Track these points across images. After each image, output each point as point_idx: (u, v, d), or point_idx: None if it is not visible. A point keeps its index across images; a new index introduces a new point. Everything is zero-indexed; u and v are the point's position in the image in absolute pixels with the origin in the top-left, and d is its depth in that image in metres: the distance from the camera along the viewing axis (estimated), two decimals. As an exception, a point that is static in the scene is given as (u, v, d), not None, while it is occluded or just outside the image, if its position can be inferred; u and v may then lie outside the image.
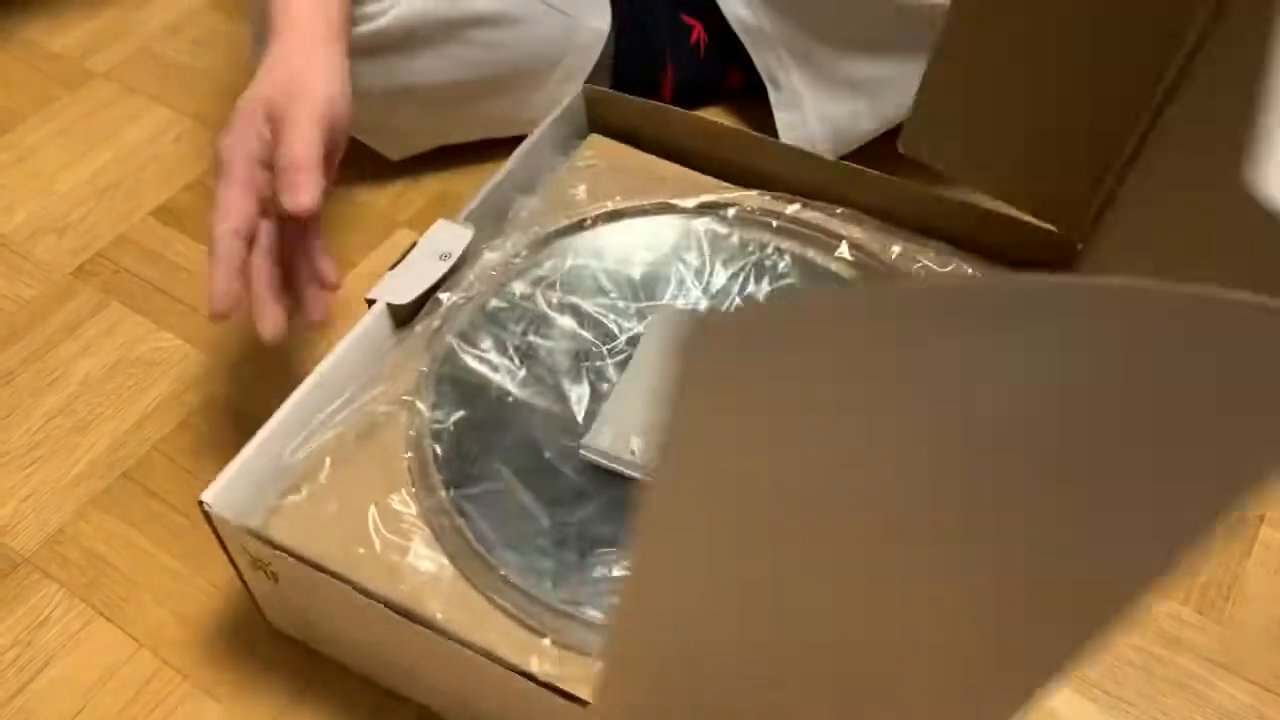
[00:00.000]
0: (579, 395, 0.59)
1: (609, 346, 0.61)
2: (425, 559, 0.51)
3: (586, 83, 0.83)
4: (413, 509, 0.53)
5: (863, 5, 0.79)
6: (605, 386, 0.60)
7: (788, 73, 0.85)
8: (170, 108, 0.96)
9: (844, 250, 0.66)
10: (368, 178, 0.87)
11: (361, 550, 0.51)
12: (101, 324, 0.79)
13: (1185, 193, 0.49)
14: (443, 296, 0.61)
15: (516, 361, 0.59)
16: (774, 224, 0.67)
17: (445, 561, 0.51)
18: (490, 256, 0.63)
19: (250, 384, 0.76)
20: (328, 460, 0.54)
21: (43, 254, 0.84)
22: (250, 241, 0.57)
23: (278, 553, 0.51)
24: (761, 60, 0.86)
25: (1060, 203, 0.62)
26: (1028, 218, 0.65)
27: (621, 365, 0.61)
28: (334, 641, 0.59)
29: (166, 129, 0.94)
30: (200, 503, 0.51)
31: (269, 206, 0.58)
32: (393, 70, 0.75)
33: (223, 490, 0.51)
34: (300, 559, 0.50)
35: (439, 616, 0.49)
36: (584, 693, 0.46)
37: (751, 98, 0.89)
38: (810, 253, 0.67)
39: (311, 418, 0.55)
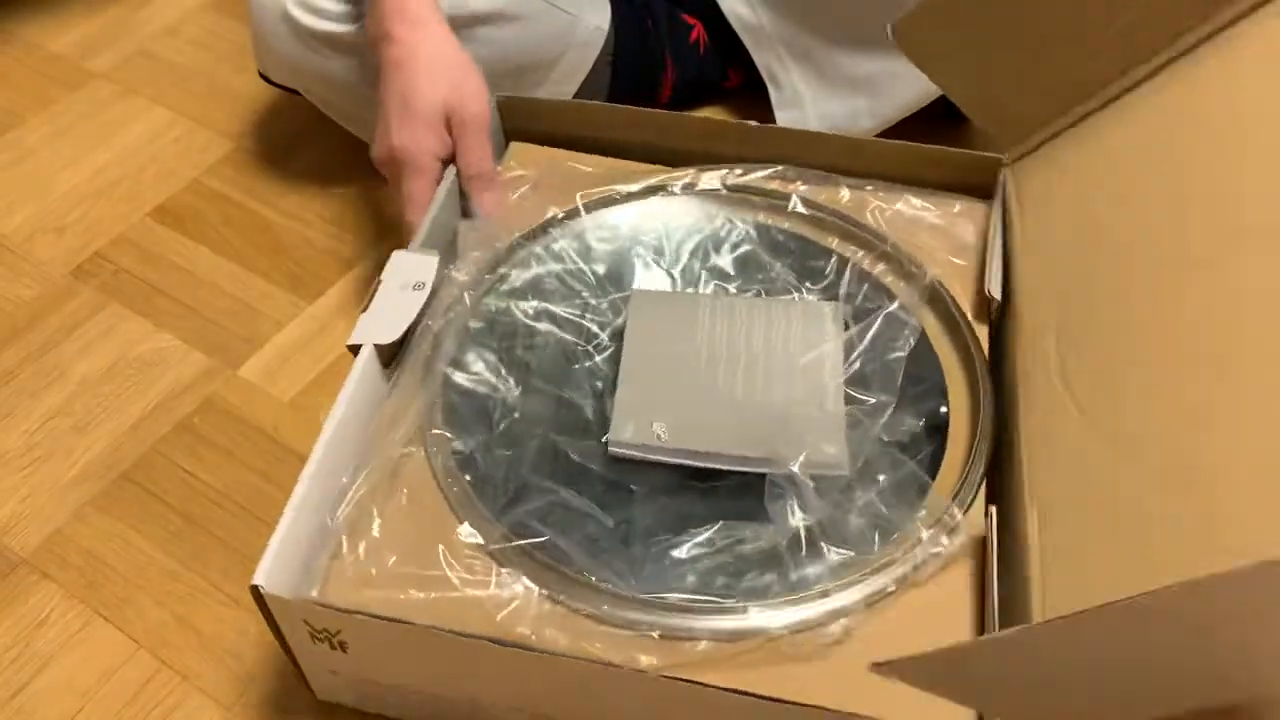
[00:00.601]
0: (582, 396, 0.59)
1: (594, 344, 0.62)
2: (506, 586, 0.50)
3: (585, 82, 0.83)
4: (479, 539, 0.52)
5: (863, 4, 0.79)
6: (600, 384, 0.60)
7: (788, 71, 0.85)
8: (169, 108, 0.96)
9: (797, 205, 0.67)
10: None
11: (434, 595, 0.50)
12: (100, 324, 0.79)
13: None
14: (428, 325, 0.60)
15: (512, 377, 0.59)
16: (721, 193, 0.68)
17: (527, 583, 0.50)
18: (456, 277, 0.61)
19: (249, 384, 0.76)
20: (374, 511, 0.52)
21: (42, 254, 0.84)
22: None
23: (356, 617, 0.48)
24: (762, 59, 0.86)
25: (1009, 122, 0.65)
26: (953, 150, 0.68)
27: (610, 358, 0.61)
28: (401, 700, 0.56)
29: (166, 129, 0.94)
30: (253, 589, 0.48)
31: None
32: None
33: (271, 571, 0.48)
34: (382, 618, 0.48)
35: (544, 640, 0.48)
36: (705, 677, 0.47)
37: (751, 97, 0.89)
38: (762, 216, 0.67)
39: (335, 478, 0.54)
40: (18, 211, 0.87)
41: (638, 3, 0.87)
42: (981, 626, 0.50)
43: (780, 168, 0.68)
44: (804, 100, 0.85)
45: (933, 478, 0.55)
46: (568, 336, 0.62)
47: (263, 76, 0.84)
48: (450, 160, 0.66)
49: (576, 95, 0.83)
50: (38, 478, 0.71)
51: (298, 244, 0.85)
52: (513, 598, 0.50)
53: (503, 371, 0.59)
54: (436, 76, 0.65)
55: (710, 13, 0.87)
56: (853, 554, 0.51)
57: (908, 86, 0.77)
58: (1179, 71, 0.57)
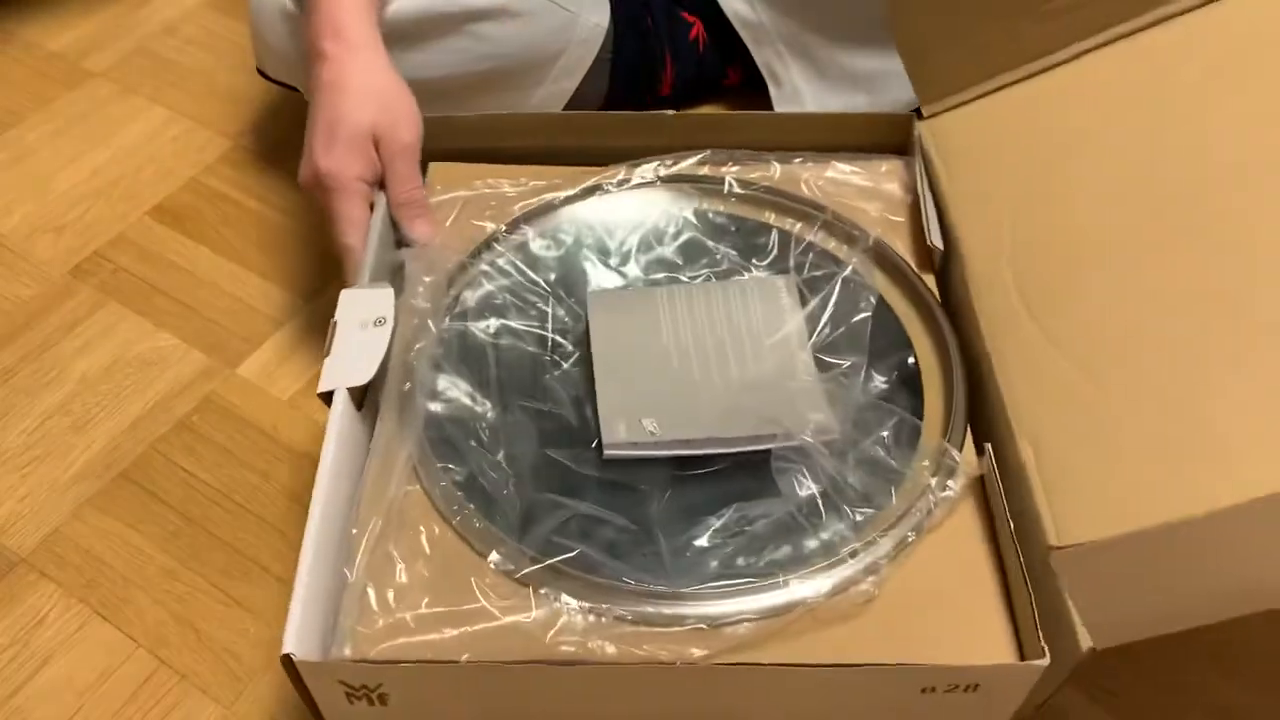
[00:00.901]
0: (561, 406, 0.59)
1: (560, 352, 0.61)
2: (546, 606, 0.49)
3: (584, 80, 0.83)
4: (509, 565, 0.51)
5: (861, 1, 0.79)
6: (576, 391, 0.59)
7: (787, 69, 0.85)
8: (168, 107, 0.96)
9: (732, 186, 0.67)
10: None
11: (476, 627, 0.49)
12: (99, 323, 0.79)
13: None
14: (400, 358, 0.59)
15: (490, 400, 0.58)
16: (656, 185, 0.68)
17: (566, 599, 0.50)
18: (416, 305, 0.60)
19: (248, 384, 0.76)
20: (395, 556, 0.51)
21: (41, 253, 0.84)
22: None
23: (401, 667, 0.47)
24: (761, 56, 0.86)
25: (941, 83, 0.68)
26: (867, 113, 0.72)
27: (579, 364, 0.61)
28: None
29: (164, 128, 0.94)
30: (285, 658, 0.46)
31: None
32: (395, 62, 0.75)
33: (300, 638, 0.47)
34: (431, 663, 0.47)
35: (594, 651, 0.48)
36: (756, 657, 0.48)
37: (751, 94, 0.89)
38: (699, 202, 0.68)
39: (340, 531, 0.52)
40: (16, 210, 0.87)
41: (637, 0, 0.87)
42: (999, 560, 0.52)
43: (709, 152, 0.68)
44: (804, 97, 0.85)
45: (917, 430, 0.57)
46: (532, 349, 0.61)
47: (261, 74, 0.84)
48: (377, 185, 0.64)
49: (575, 93, 0.83)
50: (36, 477, 0.70)
51: (296, 243, 0.85)
52: (556, 615, 0.49)
53: (479, 395, 0.58)
54: (367, 100, 0.63)
55: (710, 10, 0.87)
56: (872, 510, 0.53)
57: (907, 83, 0.76)
58: (1099, 56, 0.63)
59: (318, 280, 0.82)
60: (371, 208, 0.63)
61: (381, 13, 0.71)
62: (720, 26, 0.87)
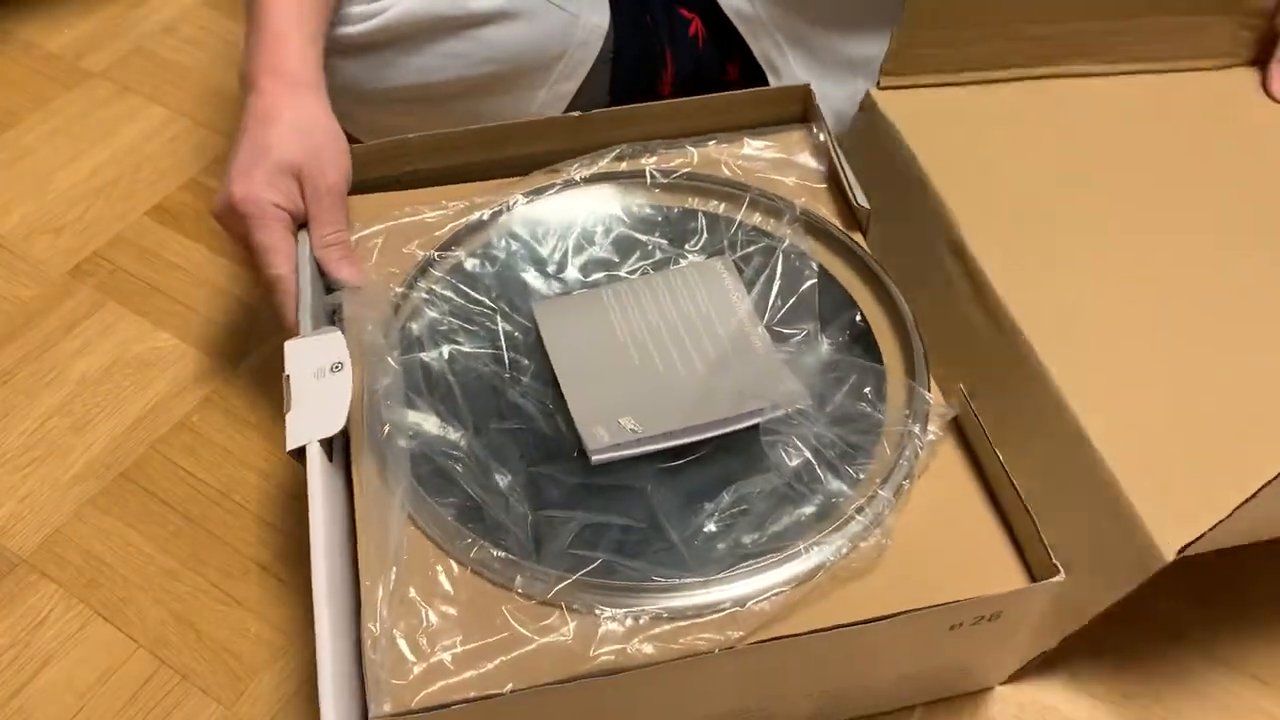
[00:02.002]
0: (531, 420, 0.59)
1: (517, 369, 0.61)
2: (581, 620, 0.49)
3: (585, 81, 0.82)
4: (536, 586, 0.50)
5: None
6: (542, 403, 0.59)
7: (785, 59, 0.85)
8: (166, 107, 0.96)
9: (655, 178, 0.67)
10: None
11: (515, 654, 0.49)
12: (98, 324, 0.79)
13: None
14: (375, 399, 0.57)
15: (463, 428, 0.57)
16: (578, 186, 0.68)
17: (599, 610, 0.49)
18: (372, 343, 0.58)
19: (248, 384, 0.76)
20: (418, 600, 0.50)
21: (39, 254, 0.84)
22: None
23: (455, 709, 0.46)
24: (759, 48, 0.86)
25: (915, 61, 0.74)
26: (764, 88, 0.74)
27: (537, 376, 0.60)
28: None
29: (162, 128, 0.94)
30: None
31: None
32: (392, 67, 0.75)
33: (337, 707, 0.45)
34: (483, 699, 0.47)
35: (634, 656, 0.48)
36: (789, 628, 0.49)
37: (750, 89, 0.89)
38: (627, 199, 0.68)
39: (347, 587, 0.51)
40: (15, 211, 0.87)
41: (636, 0, 0.87)
42: (988, 493, 0.54)
43: (624, 147, 0.69)
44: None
45: (882, 378, 0.59)
46: (489, 369, 0.60)
47: None
48: (297, 220, 0.61)
49: (577, 94, 0.82)
50: (36, 477, 0.71)
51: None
52: (594, 627, 0.49)
53: (451, 425, 0.57)
54: (296, 136, 0.61)
55: (707, 6, 0.87)
56: (865, 463, 0.55)
57: None
58: (1057, 84, 0.75)
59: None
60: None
61: (331, 41, 0.70)
62: (718, 22, 0.87)
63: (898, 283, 0.62)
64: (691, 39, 0.90)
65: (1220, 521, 0.48)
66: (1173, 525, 0.50)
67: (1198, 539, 0.49)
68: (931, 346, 0.59)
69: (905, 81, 0.74)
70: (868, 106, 0.73)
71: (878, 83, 0.73)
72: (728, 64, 0.92)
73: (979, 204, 0.65)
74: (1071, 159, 0.69)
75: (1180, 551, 0.50)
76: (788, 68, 0.85)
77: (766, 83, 0.86)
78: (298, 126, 0.61)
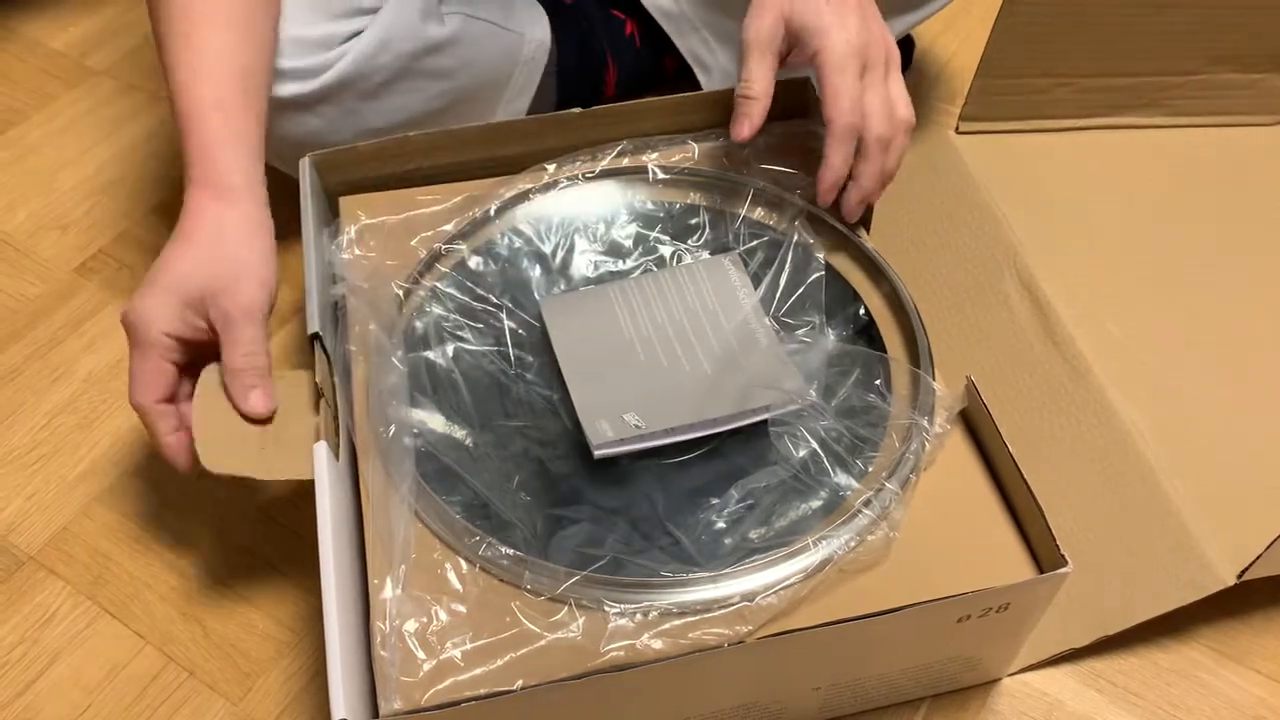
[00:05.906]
0: (537, 417, 0.59)
1: (522, 366, 0.61)
2: (590, 615, 0.49)
3: (535, 95, 0.83)
4: (544, 583, 0.50)
5: None
6: (548, 400, 0.59)
7: (714, 54, 0.86)
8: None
9: (657, 173, 0.68)
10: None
11: (524, 650, 0.49)
12: (105, 321, 0.79)
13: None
14: (380, 398, 0.57)
15: (467, 425, 0.58)
16: (580, 184, 0.68)
17: (608, 606, 0.49)
18: (366, 340, 0.59)
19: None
20: (427, 598, 0.50)
21: (45, 252, 0.84)
22: (174, 397, 0.58)
23: (466, 706, 0.46)
24: (686, 45, 0.86)
25: (989, 109, 0.84)
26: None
27: (542, 373, 0.60)
28: None
29: (167, 124, 0.94)
30: None
31: (187, 368, 0.58)
32: (353, 114, 0.73)
33: (349, 705, 0.45)
34: (494, 695, 0.47)
35: (644, 651, 0.48)
36: (798, 622, 0.49)
37: (690, 82, 0.88)
38: (629, 195, 0.68)
39: (355, 586, 0.51)
40: (21, 209, 0.87)
41: (571, 8, 0.88)
42: (996, 484, 0.54)
43: (625, 143, 0.68)
44: (733, 80, 0.85)
45: (889, 370, 0.59)
46: (491, 367, 0.61)
47: None
48: (194, 345, 0.57)
49: (529, 110, 0.83)
50: (44, 475, 0.71)
51: (296, 239, 0.84)
52: (603, 623, 0.49)
53: (456, 423, 0.58)
54: (207, 261, 0.57)
55: (638, 6, 0.88)
56: (871, 455, 0.55)
57: None
58: (1109, 134, 0.87)
59: (322, 276, 0.82)
60: (181, 370, 0.58)
61: (284, 101, 0.69)
62: (650, 20, 0.88)
63: (939, 297, 0.65)
64: (629, 39, 0.91)
65: (1272, 543, 0.52)
66: (1231, 551, 0.55)
67: (1254, 562, 0.53)
68: (969, 355, 0.62)
69: (981, 127, 0.82)
70: (942, 145, 0.80)
71: (956, 127, 0.81)
72: (665, 59, 0.92)
73: (1047, 240, 0.72)
74: (1135, 205, 0.76)
75: (1239, 576, 0.54)
76: (716, 63, 0.86)
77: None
78: (214, 246, 0.58)
